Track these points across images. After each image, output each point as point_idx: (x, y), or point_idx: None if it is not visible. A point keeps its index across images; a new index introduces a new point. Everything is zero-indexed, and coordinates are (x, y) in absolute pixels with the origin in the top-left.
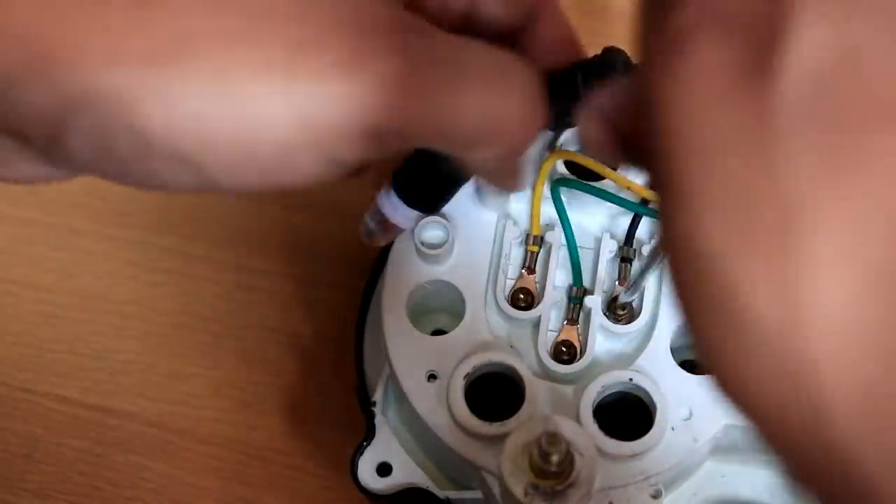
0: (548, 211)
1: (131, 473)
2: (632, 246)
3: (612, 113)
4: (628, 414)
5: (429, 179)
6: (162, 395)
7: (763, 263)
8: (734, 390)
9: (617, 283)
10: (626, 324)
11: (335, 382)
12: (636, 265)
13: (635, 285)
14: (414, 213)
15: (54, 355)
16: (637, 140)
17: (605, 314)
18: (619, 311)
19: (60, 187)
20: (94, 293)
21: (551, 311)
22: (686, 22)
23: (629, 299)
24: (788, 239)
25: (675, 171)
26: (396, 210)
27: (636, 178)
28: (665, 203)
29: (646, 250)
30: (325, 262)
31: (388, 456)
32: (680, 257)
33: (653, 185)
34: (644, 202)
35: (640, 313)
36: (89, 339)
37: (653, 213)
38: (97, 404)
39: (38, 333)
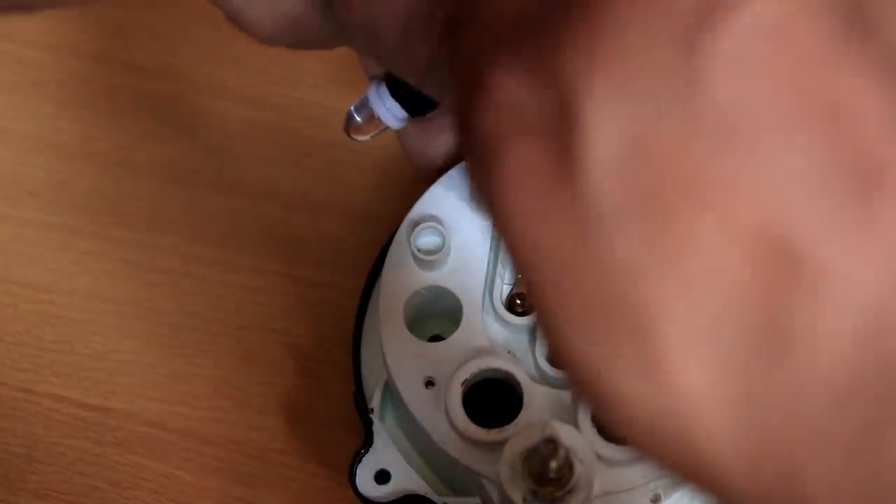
0: None
1: (131, 473)
2: None
3: None
4: None
5: None
6: (162, 395)
7: (629, 365)
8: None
9: None
10: None
11: (335, 382)
12: None
13: None
14: (398, 110)
15: (54, 355)
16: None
17: None
18: None
19: (60, 188)
20: (94, 293)
21: None
22: (492, 127)
23: None
24: (642, 337)
25: (524, 280)
26: (384, 102)
27: None
28: (537, 316)
29: None
30: (325, 263)
31: (386, 463)
32: (563, 364)
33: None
34: None
35: None
36: (89, 339)
37: None
38: (97, 404)
39: (38, 333)
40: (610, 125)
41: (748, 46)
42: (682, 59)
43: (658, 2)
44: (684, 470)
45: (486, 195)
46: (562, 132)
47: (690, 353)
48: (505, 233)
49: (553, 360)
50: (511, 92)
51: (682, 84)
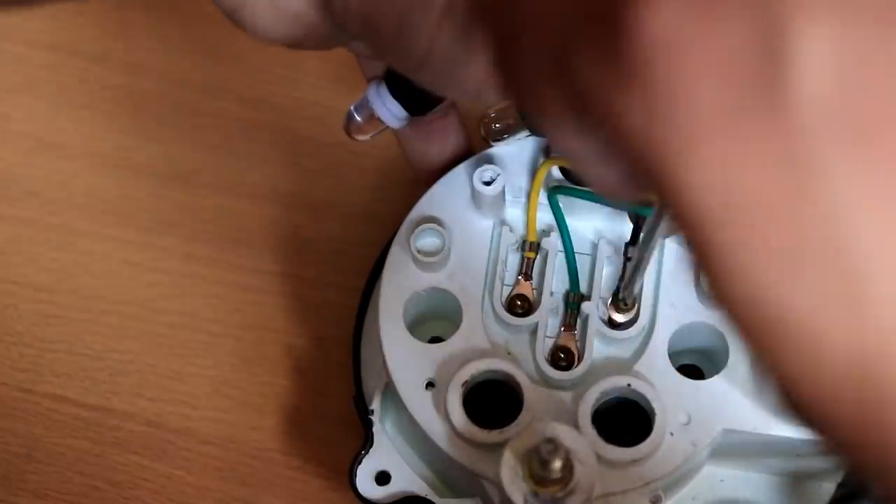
0: (543, 217)
1: (131, 473)
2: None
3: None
4: (627, 420)
5: None
6: (161, 395)
7: (832, 301)
8: (811, 413)
9: (620, 282)
10: (626, 328)
11: (335, 383)
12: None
13: (631, 282)
14: (398, 110)
15: (54, 355)
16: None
17: (606, 317)
18: (622, 304)
19: (60, 188)
20: (94, 293)
21: (548, 318)
22: (664, 66)
23: (630, 295)
24: (852, 277)
25: (708, 239)
26: (384, 102)
27: None
28: (706, 256)
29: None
30: (325, 263)
31: (386, 464)
32: (743, 307)
33: (682, 235)
34: (642, 203)
35: (637, 318)
36: (89, 339)
37: (652, 213)
38: (97, 404)
39: (38, 333)
40: (823, 54)
41: None
42: None
43: None
44: (869, 419)
45: (655, 133)
46: (765, 63)
47: None
48: (690, 184)
49: (727, 305)
50: (677, 18)
51: None
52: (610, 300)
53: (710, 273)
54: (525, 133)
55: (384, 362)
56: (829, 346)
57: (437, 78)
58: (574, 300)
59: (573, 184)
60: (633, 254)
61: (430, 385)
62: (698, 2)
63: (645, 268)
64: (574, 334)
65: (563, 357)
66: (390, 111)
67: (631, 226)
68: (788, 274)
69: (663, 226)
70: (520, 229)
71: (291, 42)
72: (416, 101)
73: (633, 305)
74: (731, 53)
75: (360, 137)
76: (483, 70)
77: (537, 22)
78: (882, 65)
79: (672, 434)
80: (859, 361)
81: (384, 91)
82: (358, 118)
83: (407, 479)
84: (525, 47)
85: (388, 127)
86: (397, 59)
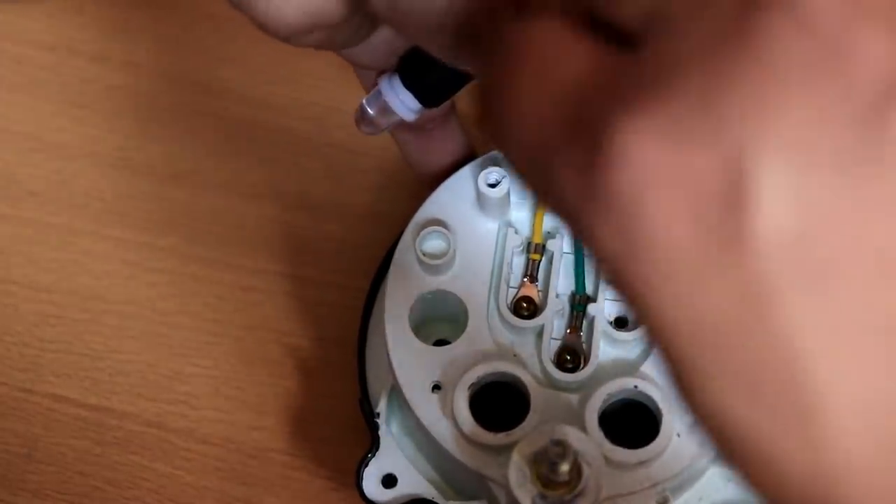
0: (548, 219)
1: (131, 473)
2: None
3: None
4: (634, 421)
5: (434, 64)
6: (162, 395)
7: (787, 428)
8: None
9: None
10: (633, 329)
11: (337, 383)
12: None
13: None
14: (412, 101)
15: (54, 355)
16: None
17: (612, 318)
18: None
19: (60, 188)
20: (94, 293)
21: (554, 320)
22: (634, 194)
23: None
24: (804, 406)
25: (678, 356)
26: (397, 94)
27: None
28: (675, 371)
29: None
30: (325, 263)
31: (393, 467)
32: (707, 421)
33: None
34: None
35: None
36: (89, 339)
37: None
38: (97, 404)
39: (38, 333)
40: (785, 194)
41: None
42: (862, 135)
43: (833, 77)
44: None
45: (628, 260)
46: (730, 203)
47: (854, 428)
48: (660, 309)
49: (695, 415)
50: (653, 157)
51: (862, 159)
52: None
53: (678, 385)
54: None
55: (390, 365)
56: (787, 469)
57: (455, 44)
58: (580, 302)
59: None
60: None
61: (436, 388)
62: (671, 141)
63: None
64: (580, 336)
65: (569, 359)
66: (403, 103)
67: None
68: (746, 397)
69: None
70: (525, 231)
71: (299, 29)
72: (430, 92)
73: None
74: (700, 192)
75: (372, 131)
76: None
77: (521, 96)
78: (839, 211)
79: (679, 435)
80: (815, 488)
81: (397, 83)
82: (370, 111)
83: (413, 481)
84: (504, 115)
85: (400, 119)
86: (416, 23)
